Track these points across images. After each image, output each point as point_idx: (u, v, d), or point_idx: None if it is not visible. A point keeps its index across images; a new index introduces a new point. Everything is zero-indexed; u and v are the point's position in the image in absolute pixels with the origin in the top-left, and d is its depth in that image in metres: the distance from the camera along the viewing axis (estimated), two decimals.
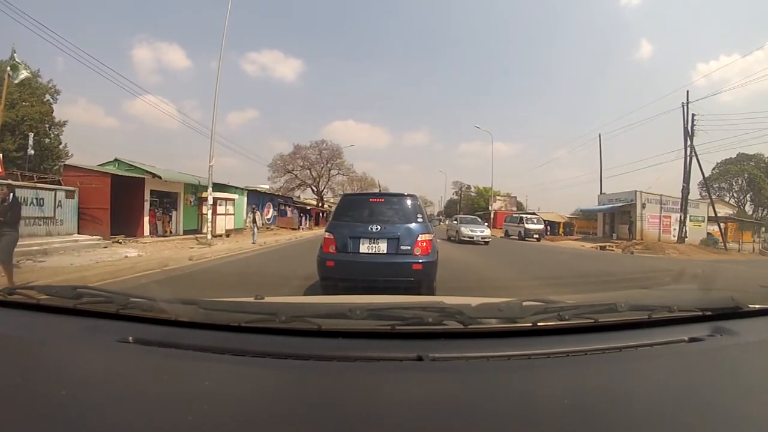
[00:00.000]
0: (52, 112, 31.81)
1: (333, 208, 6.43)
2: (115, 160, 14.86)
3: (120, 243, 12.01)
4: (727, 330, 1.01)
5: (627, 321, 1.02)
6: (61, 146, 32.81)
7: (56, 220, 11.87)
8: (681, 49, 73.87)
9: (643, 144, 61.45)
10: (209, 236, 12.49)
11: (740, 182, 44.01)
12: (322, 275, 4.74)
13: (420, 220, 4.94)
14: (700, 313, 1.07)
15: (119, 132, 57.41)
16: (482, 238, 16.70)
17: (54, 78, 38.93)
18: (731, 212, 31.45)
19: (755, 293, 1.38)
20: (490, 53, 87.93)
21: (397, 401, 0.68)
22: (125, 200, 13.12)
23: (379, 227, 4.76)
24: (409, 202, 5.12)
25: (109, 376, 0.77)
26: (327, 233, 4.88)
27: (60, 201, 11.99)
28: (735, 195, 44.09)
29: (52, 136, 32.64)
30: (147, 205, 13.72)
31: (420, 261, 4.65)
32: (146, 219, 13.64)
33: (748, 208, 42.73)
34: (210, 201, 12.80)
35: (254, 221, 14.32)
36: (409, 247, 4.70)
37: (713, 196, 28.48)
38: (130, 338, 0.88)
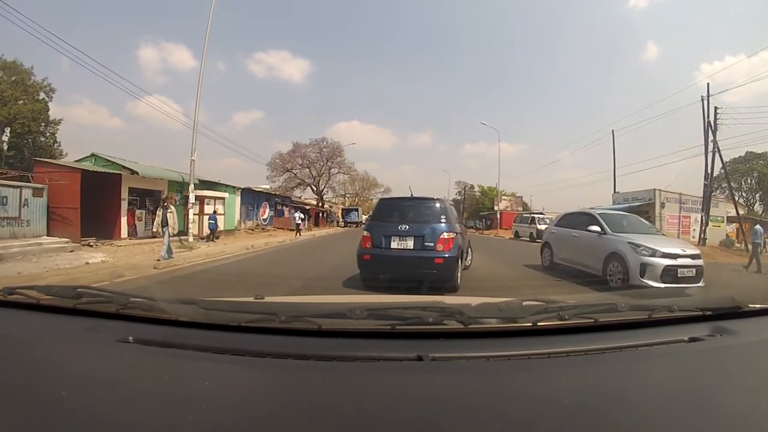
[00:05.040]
0: (47, 111, 30.80)
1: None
2: (92, 155, 13.68)
3: (91, 246, 10.85)
4: (727, 330, 1.00)
5: (627, 321, 1.00)
6: (55, 145, 31.77)
7: (22, 221, 10.74)
8: (687, 50, 72.30)
9: (648, 144, 60.09)
10: (191, 239, 11.25)
11: (749, 181, 43.01)
12: (360, 266, 5.61)
13: (443, 220, 5.52)
14: (700, 313, 1.06)
15: (124, 133, 56.73)
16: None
17: (58, 78, 38.29)
18: (742, 212, 30.14)
19: (755, 293, 1.32)
20: (495, 54, 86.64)
21: (397, 401, 0.67)
22: (100, 199, 11.96)
23: (407, 226, 5.44)
24: (435, 204, 5.76)
25: (109, 376, 0.75)
26: (365, 232, 5.75)
27: (26, 199, 10.86)
28: (744, 194, 42.83)
29: (48, 134, 31.64)
30: (125, 205, 12.51)
31: (441, 256, 5.20)
32: (124, 219, 12.43)
33: (758, 208, 41.89)
34: (192, 199, 11.57)
35: (164, 224, 8.48)
36: (432, 244, 5.27)
37: (723, 196, 26.97)
38: (130, 338, 0.87)
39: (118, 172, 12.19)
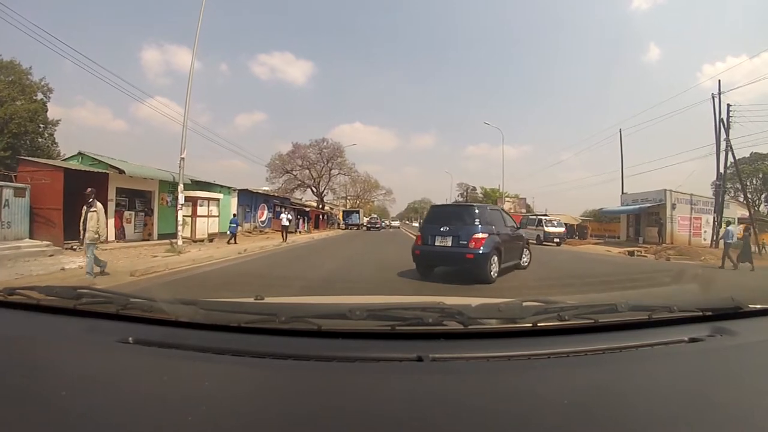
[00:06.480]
0: (45, 111, 30.32)
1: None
2: (79, 153, 13.07)
3: (74, 250, 10.22)
4: (727, 330, 1.00)
5: (627, 321, 1.00)
6: (54, 146, 31.21)
7: (2, 223, 10.16)
8: (689, 51, 71.67)
9: (651, 146, 59.39)
10: (180, 242, 10.61)
11: (755, 182, 42.67)
12: (414, 259, 7.05)
13: (477, 223, 6.63)
14: (700, 314, 1.06)
15: (128, 135, 56.47)
16: None
17: (61, 80, 38.08)
18: (748, 213, 29.56)
19: (755, 293, 1.31)
20: (499, 56, 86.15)
21: (398, 402, 0.67)
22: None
23: (448, 228, 6.70)
24: (473, 210, 6.97)
25: (109, 377, 0.75)
26: (419, 232, 7.38)
27: (7, 200, 10.27)
28: (749, 195, 42.43)
29: (46, 135, 31.16)
30: (112, 206, 11.85)
31: (473, 252, 6.32)
32: (111, 222, 11.75)
33: (763, 208, 41.48)
34: (181, 200, 10.92)
35: (84, 225, 6.52)
36: (465, 242, 6.42)
37: (728, 196, 26.19)
38: (130, 339, 0.86)
39: (105, 171, 11.54)
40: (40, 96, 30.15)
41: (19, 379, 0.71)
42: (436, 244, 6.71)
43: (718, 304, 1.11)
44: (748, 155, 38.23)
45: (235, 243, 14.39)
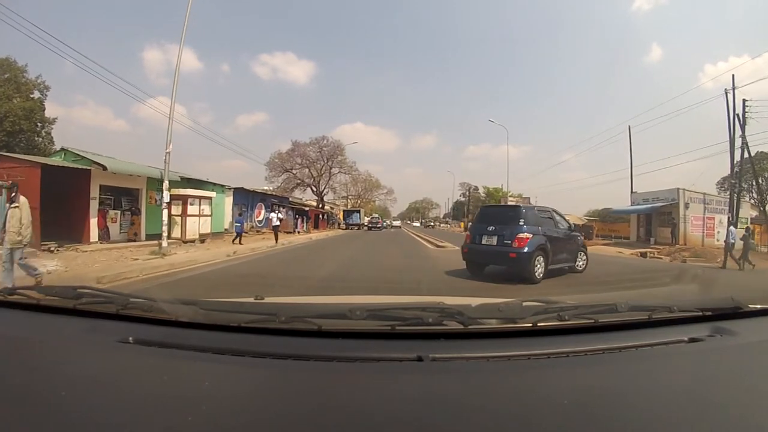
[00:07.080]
0: (42, 110, 29.74)
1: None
2: (62, 149, 12.38)
3: (52, 251, 9.53)
4: (727, 330, 1.00)
5: (627, 321, 1.01)
6: (51, 145, 30.61)
7: None
8: (691, 51, 70.81)
9: (651, 145, 58.58)
10: (165, 243, 9.89)
11: (761, 182, 42.40)
12: (463, 256, 7.59)
13: (521, 223, 6.79)
14: (700, 314, 1.06)
15: (129, 135, 56.01)
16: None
17: (62, 80, 37.59)
18: (755, 213, 28.94)
19: (755, 293, 1.32)
20: (501, 57, 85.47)
21: (398, 402, 0.67)
22: (67, 198, 10.64)
23: (493, 228, 7.09)
24: (517, 211, 7.21)
25: (109, 377, 0.75)
26: (467, 232, 8.13)
27: None
28: (756, 195, 42.06)
29: (43, 134, 30.60)
30: (95, 204, 11.16)
31: (515, 251, 6.54)
32: (93, 221, 11.08)
33: None
34: (166, 198, 10.19)
35: (4, 226, 5.46)
36: (509, 242, 6.67)
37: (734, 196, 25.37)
38: (130, 339, 0.87)
39: (86, 167, 10.83)
40: (36, 94, 29.64)
41: (19, 379, 0.72)
42: (483, 242, 7.03)
43: (718, 304, 1.11)
44: (754, 154, 37.71)
45: (240, 243, 14.11)
